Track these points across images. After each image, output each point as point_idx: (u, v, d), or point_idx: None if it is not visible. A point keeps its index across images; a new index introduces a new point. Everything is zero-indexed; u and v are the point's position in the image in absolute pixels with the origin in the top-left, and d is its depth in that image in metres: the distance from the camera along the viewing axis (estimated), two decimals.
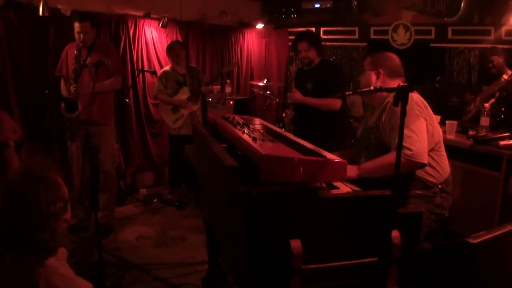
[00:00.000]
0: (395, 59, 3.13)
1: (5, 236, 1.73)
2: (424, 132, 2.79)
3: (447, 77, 6.72)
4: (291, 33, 8.77)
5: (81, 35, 4.74)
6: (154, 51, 6.88)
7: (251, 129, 2.68)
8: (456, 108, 5.89)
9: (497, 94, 5.14)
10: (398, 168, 2.04)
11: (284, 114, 6.91)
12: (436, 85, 6.15)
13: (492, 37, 6.22)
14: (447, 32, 6.73)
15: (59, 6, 5.51)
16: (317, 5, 7.73)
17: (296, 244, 1.91)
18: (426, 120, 2.83)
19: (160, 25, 6.66)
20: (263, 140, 2.34)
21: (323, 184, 2.23)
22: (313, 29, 8.16)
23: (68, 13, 5.53)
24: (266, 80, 7.34)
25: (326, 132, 4.56)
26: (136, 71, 6.53)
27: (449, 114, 5.15)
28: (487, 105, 4.82)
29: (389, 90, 2.75)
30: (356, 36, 7.95)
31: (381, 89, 2.86)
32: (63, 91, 4.94)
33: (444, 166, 2.98)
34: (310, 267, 1.95)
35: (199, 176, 3.07)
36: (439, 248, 2.92)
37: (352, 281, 2.09)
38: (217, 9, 7.72)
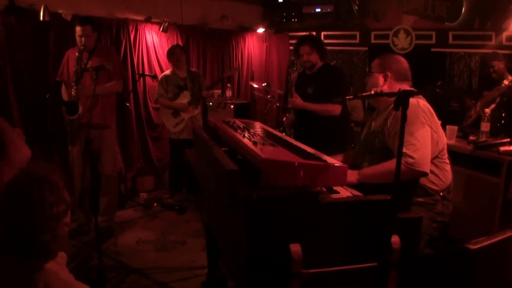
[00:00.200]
0: (403, 62, 3.10)
1: (7, 236, 1.73)
2: (429, 140, 2.77)
3: (447, 82, 6.73)
4: (292, 38, 8.80)
5: (83, 38, 4.75)
6: (154, 55, 6.89)
7: (252, 133, 2.68)
8: (456, 113, 5.89)
9: (497, 100, 5.14)
10: (398, 175, 2.03)
11: (284, 118, 6.91)
12: (437, 90, 6.16)
13: (493, 42, 6.24)
14: (448, 37, 6.74)
15: (60, 11, 5.53)
16: (318, 10, 7.74)
17: (296, 248, 1.90)
18: (431, 128, 2.80)
19: (161, 29, 6.67)
20: (263, 144, 2.34)
21: (323, 188, 2.23)
22: (314, 33, 8.17)
23: (69, 18, 5.54)
24: (266, 84, 7.33)
25: (326, 137, 4.56)
26: (136, 75, 6.53)
27: (450, 119, 5.14)
28: (487, 110, 4.81)
29: (390, 94, 2.74)
30: (357, 41, 7.97)
31: (381, 94, 2.86)
32: (64, 96, 4.95)
33: (447, 173, 2.96)
34: (310, 272, 1.95)
35: (199, 180, 3.07)
36: (438, 253, 2.91)
37: (352, 286, 2.08)
38: (218, 13, 7.73)
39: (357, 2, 7.57)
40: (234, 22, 8.00)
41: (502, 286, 2.66)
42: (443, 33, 6.75)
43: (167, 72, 6.23)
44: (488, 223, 4.36)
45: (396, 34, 7.13)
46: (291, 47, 8.79)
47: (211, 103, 7.07)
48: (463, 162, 4.53)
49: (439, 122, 2.93)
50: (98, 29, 5.26)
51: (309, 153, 2.42)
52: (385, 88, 3.01)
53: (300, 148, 2.55)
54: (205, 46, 7.66)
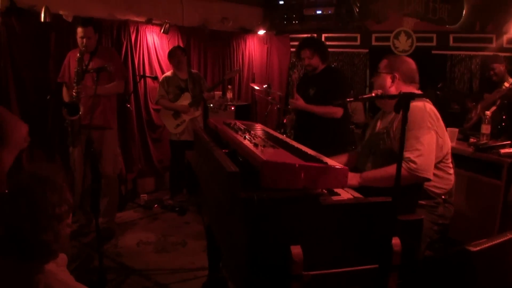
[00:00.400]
0: (411, 64, 3.08)
1: (9, 236, 1.73)
2: (433, 146, 2.76)
3: (448, 84, 6.73)
4: (292, 39, 8.81)
5: (84, 40, 4.75)
6: (155, 56, 6.90)
7: (253, 135, 2.69)
8: (457, 116, 5.89)
9: (498, 102, 5.14)
10: (398, 179, 2.04)
11: (285, 120, 6.91)
12: (438, 92, 6.16)
13: (493, 45, 6.24)
14: (448, 40, 6.75)
15: (61, 12, 5.53)
16: (318, 12, 7.74)
17: (296, 250, 1.90)
18: (437, 133, 2.79)
19: (162, 30, 6.68)
20: (264, 146, 2.34)
21: (324, 190, 2.23)
22: (315, 35, 8.17)
23: (70, 19, 5.55)
24: (267, 85, 7.34)
25: (326, 138, 4.56)
26: (137, 77, 6.54)
27: (450, 121, 5.14)
28: (488, 112, 4.82)
29: (390, 97, 2.74)
30: (358, 43, 7.97)
31: (382, 96, 2.86)
32: (65, 97, 4.95)
33: (449, 177, 2.95)
34: (311, 274, 1.95)
35: (200, 182, 3.07)
36: (439, 255, 2.91)
37: None
38: (219, 15, 7.73)
39: (358, 4, 7.58)
40: (235, 24, 8.00)
41: None
42: (444, 35, 6.76)
43: (168, 73, 6.23)
44: (488, 225, 4.36)
45: (397, 36, 7.13)
46: (292, 49, 8.79)
47: (212, 105, 7.08)
48: (464, 164, 4.53)
49: (444, 127, 2.92)
50: (99, 31, 5.26)
51: (310, 155, 2.42)
52: (392, 90, 2.98)
53: (301, 150, 2.55)
54: (206, 47, 7.67)
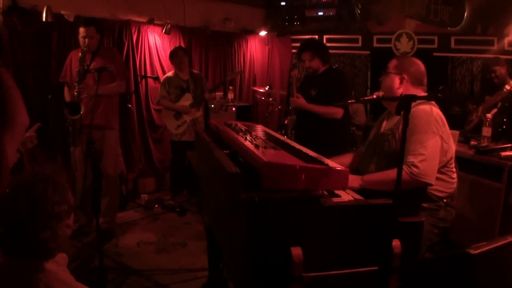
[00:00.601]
0: (421, 66, 3.05)
1: (9, 233, 1.74)
2: (438, 151, 2.74)
3: (449, 87, 6.72)
4: (294, 41, 8.81)
5: (86, 40, 4.76)
6: (157, 57, 6.91)
7: (254, 136, 2.69)
8: (458, 118, 5.88)
9: (499, 105, 5.14)
10: (399, 181, 2.03)
11: (286, 121, 6.92)
12: (439, 94, 6.15)
13: (495, 47, 6.22)
14: (450, 42, 6.73)
15: (62, 12, 5.54)
16: (320, 13, 7.72)
17: (297, 251, 1.91)
18: (442, 138, 2.78)
19: (164, 31, 6.68)
20: (265, 147, 2.34)
21: (324, 192, 2.24)
22: (316, 36, 8.19)
23: (71, 19, 5.56)
24: (268, 87, 7.34)
25: (326, 139, 4.56)
26: (139, 77, 6.54)
27: (451, 123, 5.12)
28: (489, 115, 4.81)
29: (391, 99, 2.74)
30: (359, 44, 7.96)
31: (383, 98, 2.86)
32: (67, 97, 4.95)
33: (452, 181, 2.94)
34: (311, 275, 1.95)
35: (201, 182, 3.08)
36: (439, 258, 2.91)
37: None
38: (221, 16, 7.73)
39: (360, 6, 7.57)
40: (237, 24, 8.01)
41: None
42: (445, 37, 6.75)
43: (170, 74, 6.24)
44: (488, 228, 4.35)
45: (398, 38, 7.13)
46: (293, 50, 8.80)
47: (213, 105, 7.08)
48: (464, 167, 4.52)
49: (449, 132, 2.90)
50: (101, 31, 5.26)
51: (311, 156, 2.43)
52: (400, 91, 2.95)
53: (302, 151, 2.55)
54: (207, 48, 7.68)
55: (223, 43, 7.96)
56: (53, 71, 5.51)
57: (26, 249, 1.75)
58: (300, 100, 4.75)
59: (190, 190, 6.50)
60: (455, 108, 6.32)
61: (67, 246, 1.89)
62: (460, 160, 4.51)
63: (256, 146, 2.30)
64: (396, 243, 2.04)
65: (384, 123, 3.12)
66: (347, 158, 3.35)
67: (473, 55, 6.55)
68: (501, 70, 5.35)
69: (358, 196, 2.44)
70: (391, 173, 2.67)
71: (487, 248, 2.56)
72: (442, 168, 2.86)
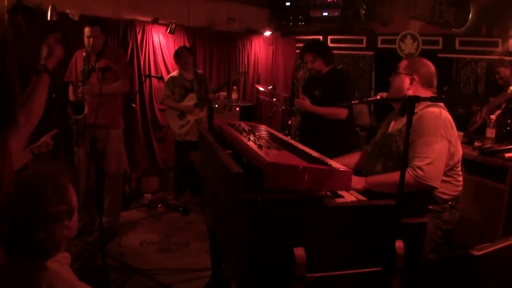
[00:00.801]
0: (431, 67, 3.01)
1: (9, 232, 1.74)
2: (444, 154, 2.74)
3: (453, 88, 6.71)
4: (298, 41, 8.81)
5: (91, 39, 4.77)
6: (161, 56, 6.91)
7: (257, 136, 2.68)
8: (462, 119, 5.87)
9: (503, 106, 5.13)
10: (402, 183, 2.03)
11: (290, 122, 6.91)
12: (443, 95, 6.14)
13: (499, 49, 6.21)
14: (454, 43, 6.72)
15: (67, 11, 5.55)
16: (325, 14, 7.72)
17: (300, 252, 1.91)
18: (450, 142, 2.77)
19: (168, 31, 6.69)
20: (268, 147, 2.34)
21: (328, 192, 2.23)
22: (321, 37, 8.19)
23: (76, 18, 5.57)
24: (272, 87, 7.34)
25: (330, 140, 4.55)
26: (143, 77, 6.55)
27: (455, 124, 5.13)
28: (493, 116, 4.81)
29: (396, 100, 2.74)
30: (364, 45, 7.95)
31: (387, 99, 2.86)
32: (71, 97, 4.96)
33: (458, 184, 2.93)
34: (314, 276, 1.95)
35: (204, 182, 3.08)
36: (442, 259, 2.90)
37: None
38: (225, 16, 7.74)
39: (364, 7, 7.56)
40: (241, 24, 8.02)
41: None
42: (450, 39, 6.73)
43: (174, 73, 6.24)
44: (492, 229, 4.35)
45: (402, 39, 7.12)
46: (297, 51, 8.79)
47: (216, 105, 7.09)
48: (468, 168, 4.50)
49: (457, 135, 2.88)
50: (106, 32, 5.26)
51: (314, 157, 2.42)
52: (410, 92, 2.91)
53: (305, 152, 2.55)
54: (211, 48, 7.68)
55: (228, 43, 7.96)
56: (57, 69, 5.51)
57: (26, 248, 1.75)
58: (305, 102, 4.74)
59: (193, 190, 6.51)
60: (459, 109, 6.31)
61: (64, 247, 1.89)
62: (463, 161, 4.47)
63: (260, 147, 2.30)
64: (399, 244, 2.03)
65: (392, 123, 3.08)
66: (352, 159, 3.34)
67: (477, 57, 6.53)
68: (505, 72, 5.34)
69: (361, 197, 2.43)
70: (395, 176, 2.65)
71: (490, 249, 2.54)
72: (449, 171, 2.85)
